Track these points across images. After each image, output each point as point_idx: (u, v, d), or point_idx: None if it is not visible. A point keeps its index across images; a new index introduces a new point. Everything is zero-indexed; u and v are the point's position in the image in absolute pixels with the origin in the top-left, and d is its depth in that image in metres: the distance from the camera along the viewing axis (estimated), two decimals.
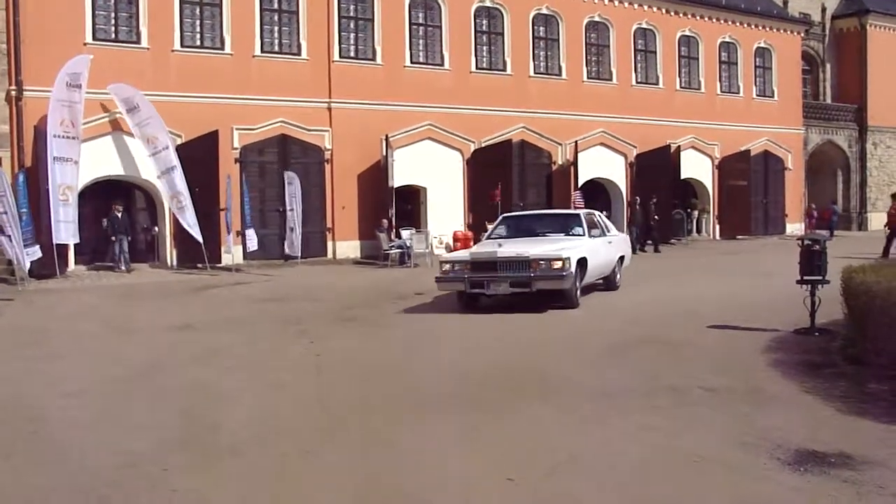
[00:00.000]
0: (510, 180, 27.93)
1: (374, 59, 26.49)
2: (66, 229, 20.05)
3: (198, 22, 23.89)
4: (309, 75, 25.26)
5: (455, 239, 26.01)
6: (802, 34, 38.82)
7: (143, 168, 22.52)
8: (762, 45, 36.48)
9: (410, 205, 28.10)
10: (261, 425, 7.22)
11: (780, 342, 10.28)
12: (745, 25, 35.85)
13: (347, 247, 25.85)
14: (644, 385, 8.18)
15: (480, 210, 26.92)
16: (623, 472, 5.76)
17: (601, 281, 15.90)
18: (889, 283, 8.40)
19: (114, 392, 8.68)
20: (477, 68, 28.57)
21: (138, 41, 22.80)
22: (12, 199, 18.67)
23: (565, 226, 15.88)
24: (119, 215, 22.26)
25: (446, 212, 27.56)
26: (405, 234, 25.41)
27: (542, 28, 30.20)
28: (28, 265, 19.15)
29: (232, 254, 22.70)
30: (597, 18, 31.38)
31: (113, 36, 22.61)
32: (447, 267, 14.09)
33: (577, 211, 18.97)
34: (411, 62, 27.27)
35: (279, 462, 6.16)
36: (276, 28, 25.09)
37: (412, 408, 7.69)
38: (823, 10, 42.24)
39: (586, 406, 7.51)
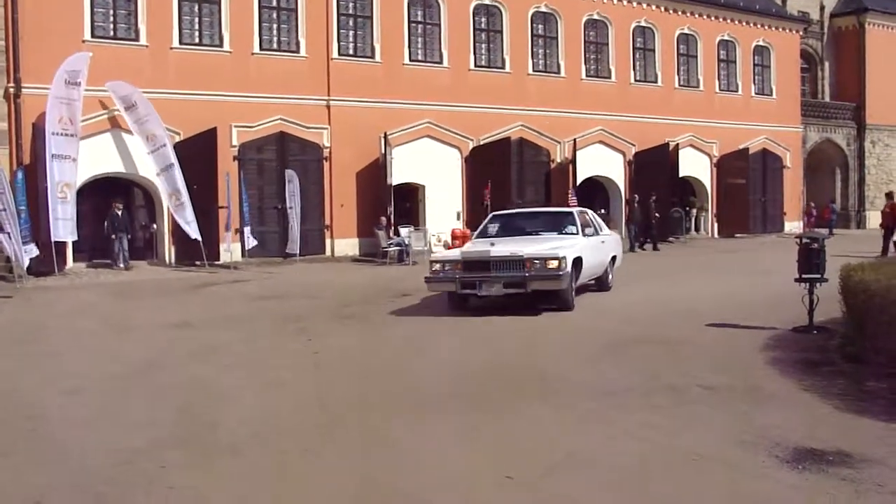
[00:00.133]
0: (509, 178, 27.95)
1: (372, 56, 26.49)
2: (64, 227, 20.04)
3: (196, 19, 23.88)
4: (308, 73, 25.25)
5: (453, 237, 25.98)
6: (801, 32, 38.82)
7: (141, 165, 22.52)
8: (761, 43, 36.48)
9: (409, 202, 28.09)
10: (259, 423, 7.21)
11: (778, 340, 10.28)
12: (744, 24, 35.85)
13: (346, 244, 25.85)
14: (642, 384, 8.18)
15: (479, 208, 26.90)
16: (622, 471, 5.76)
17: (593, 282, 15.50)
18: (888, 281, 8.40)
19: (112, 389, 8.68)
20: (475, 66, 28.57)
21: (137, 38, 22.79)
22: (11, 196, 18.67)
23: (558, 224, 15.31)
24: (119, 213, 22.24)
25: (445, 209, 27.57)
26: (404, 231, 25.42)
27: (540, 26, 30.19)
28: (27, 262, 19.15)
29: (231, 251, 22.71)
30: (595, 16, 31.38)
31: (111, 33, 22.61)
32: (437, 267, 13.53)
33: (570, 209, 18.30)
34: (410, 60, 27.26)
35: (278, 460, 6.15)
36: (274, 25, 25.08)
37: (411, 406, 7.68)
38: (822, 8, 42.23)
39: (585, 405, 7.50)
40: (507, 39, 29.21)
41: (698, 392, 7.81)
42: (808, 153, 40.03)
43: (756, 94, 36.44)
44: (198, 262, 22.21)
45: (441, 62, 27.85)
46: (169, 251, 23.32)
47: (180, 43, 23.40)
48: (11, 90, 20.95)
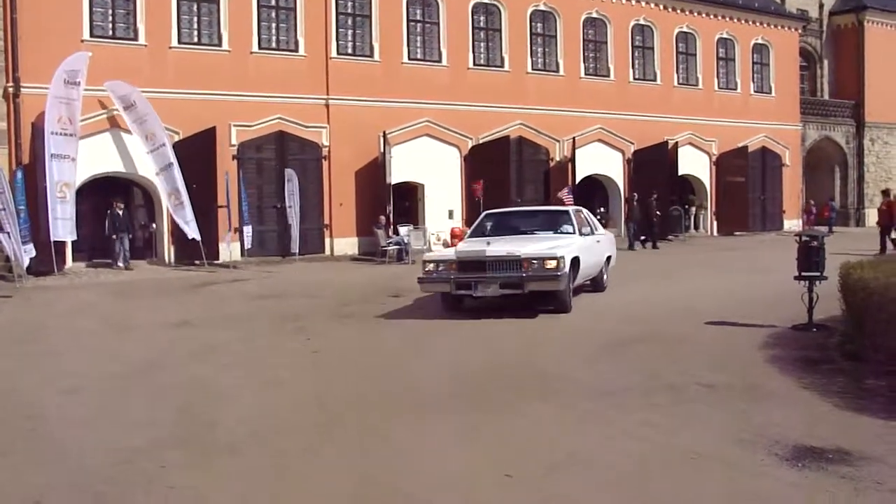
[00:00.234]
0: (508, 177, 27.94)
1: (371, 55, 26.48)
2: (63, 226, 20.03)
3: (195, 18, 23.86)
4: (306, 72, 25.24)
5: (453, 235, 25.97)
6: (800, 30, 38.83)
7: (140, 165, 22.52)
8: (760, 41, 36.48)
9: (408, 201, 28.08)
10: (258, 422, 7.21)
11: (777, 338, 10.28)
12: (743, 22, 35.86)
13: (345, 243, 25.84)
14: (642, 383, 8.18)
15: (478, 207, 26.90)
16: (622, 470, 5.76)
17: (588, 282, 15.10)
18: (887, 279, 8.40)
19: (111, 389, 8.68)
20: (474, 65, 28.56)
21: (136, 38, 22.77)
22: (10, 196, 18.66)
23: (554, 223, 14.93)
24: (120, 213, 22.22)
25: (444, 208, 27.58)
26: (403, 230, 25.40)
27: (539, 24, 30.19)
28: (26, 262, 19.14)
29: (230, 250, 22.70)
30: (594, 15, 31.38)
31: (110, 32, 22.59)
32: (431, 267, 13.12)
33: (565, 208, 18.08)
34: (409, 59, 27.25)
35: (277, 459, 6.15)
36: (273, 24, 25.07)
37: (410, 405, 7.69)
38: (821, 6, 42.21)
39: (585, 405, 7.50)
40: (505, 38, 29.21)
41: (697, 390, 7.81)
42: (808, 151, 40.04)
43: (755, 92, 36.45)
44: (197, 262, 22.21)
45: (440, 61, 27.85)
46: (168, 251, 23.31)
47: (179, 42, 23.38)
48: (10, 90, 20.93)
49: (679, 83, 33.97)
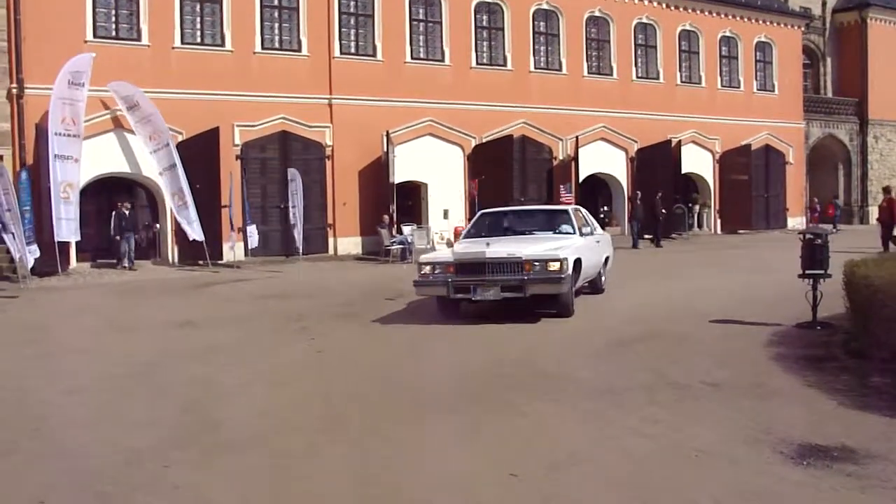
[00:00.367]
0: (511, 176, 27.94)
1: (374, 55, 26.48)
2: (67, 227, 20.07)
3: (198, 19, 23.90)
4: (309, 72, 25.26)
5: (456, 234, 25.94)
6: (803, 28, 38.79)
7: (144, 165, 22.56)
8: (763, 39, 36.45)
9: (411, 201, 28.09)
10: (262, 422, 7.22)
11: (782, 336, 10.26)
12: (746, 20, 35.84)
13: (349, 243, 25.85)
14: (646, 381, 8.16)
15: (481, 205, 26.87)
16: (624, 468, 5.75)
17: (586, 284, 14.33)
18: (891, 276, 8.38)
19: (115, 389, 8.68)
20: (477, 64, 28.57)
21: (139, 38, 22.81)
22: (14, 196, 18.68)
23: (552, 223, 14.32)
24: (127, 213, 22.22)
25: (447, 207, 27.57)
26: (406, 230, 25.43)
27: (542, 23, 30.19)
28: (31, 263, 19.16)
29: (234, 250, 22.72)
30: (597, 13, 31.37)
31: (113, 33, 22.64)
32: (427, 269, 12.45)
33: (565, 207, 17.45)
34: (412, 58, 27.26)
35: (280, 459, 6.15)
36: (276, 25, 25.10)
37: (413, 405, 7.68)
38: (824, 4, 42.15)
39: (587, 404, 7.49)
40: (508, 37, 29.21)
41: (702, 389, 7.79)
42: (811, 149, 40.01)
43: (758, 90, 36.43)
44: (201, 262, 22.24)
45: (443, 60, 27.84)
46: (172, 251, 23.34)
47: (182, 43, 23.41)
48: (14, 91, 20.96)
49: (682, 81, 33.95)
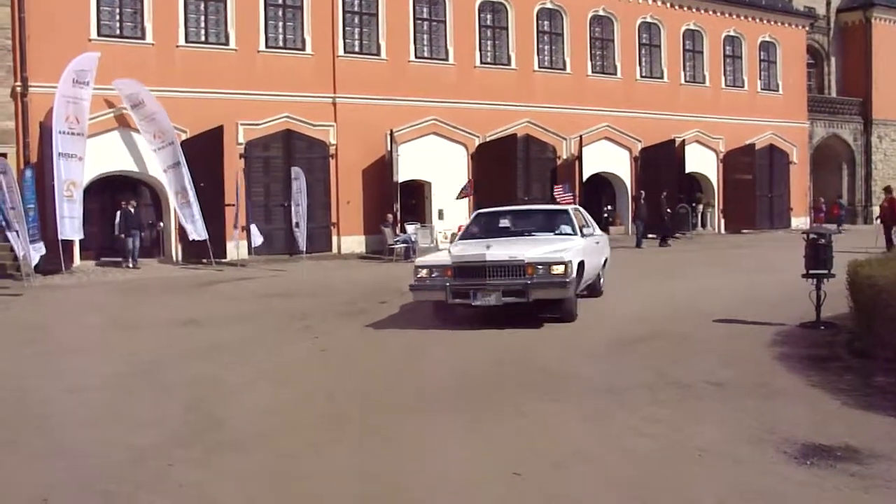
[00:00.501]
0: (514, 175, 27.90)
1: (378, 54, 26.48)
2: (70, 225, 20.08)
3: (202, 17, 23.90)
4: (313, 70, 25.26)
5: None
6: (807, 28, 38.74)
7: (148, 164, 22.58)
8: (767, 38, 36.41)
9: (415, 199, 28.09)
10: (265, 421, 7.23)
11: (785, 336, 10.26)
12: (750, 19, 35.79)
13: (352, 242, 25.85)
14: (649, 380, 8.16)
15: (485, 204, 26.83)
16: (627, 467, 5.75)
17: (584, 288, 13.43)
18: (895, 276, 8.38)
19: (118, 387, 8.70)
20: (481, 63, 28.57)
21: (143, 37, 22.82)
22: (19, 195, 18.70)
23: (551, 224, 13.72)
24: (133, 211, 22.22)
25: (451, 206, 27.55)
26: (410, 228, 25.43)
27: (546, 22, 30.17)
28: (36, 260, 19.18)
29: (238, 249, 22.74)
30: (601, 12, 31.34)
31: (118, 32, 22.65)
32: (423, 273, 11.79)
33: (564, 206, 16.73)
34: (416, 57, 27.26)
35: (283, 458, 6.16)
36: (280, 23, 25.09)
37: (416, 404, 7.69)
38: (828, 3, 42.12)
39: (590, 402, 7.49)
40: (512, 36, 29.20)
41: (705, 388, 7.79)
42: (815, 148, 39.95)
43: (762, 89, 36.38)
44: (204, 260, 22.25)
45: (447, 59, 27.84)
46: (176, 249, 23.36)
47: (186, 41, 23.42)
48: (18, 89, 20.99)
49: (686, 81, 33.92)
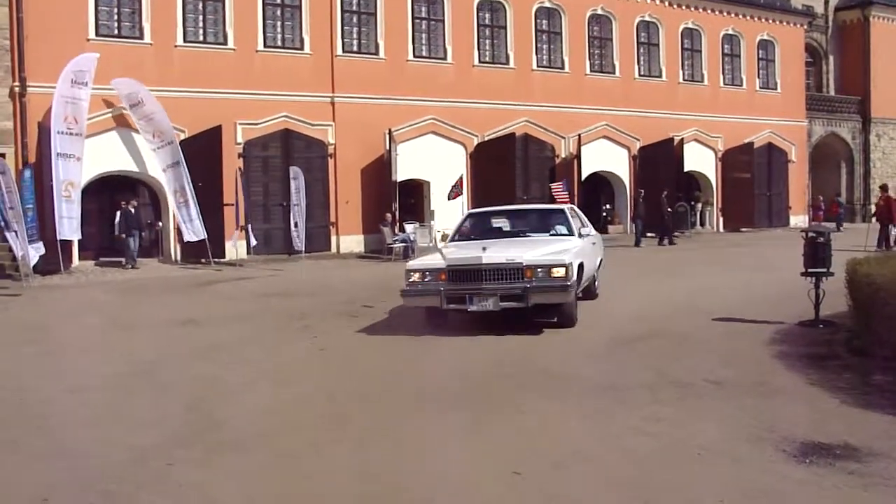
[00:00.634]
0: (513, 174, 27.91)
1: (376, 53, 26.48)
2: (69, 225, 20.06)
3: (200, 17, 23.89)
4: (312, 70, 25.26)
5: None
6: (805, 26, 38.75)
7: (147, 163, 22.57)
8: (765, 37, 36.43)
9: (414, 199, 28.09)
10: (265, 421, 7.23)
11: (784, 335, 10.27)
12: (748, 18, 35.81)
13: (351, 241, 25.85)
14: (649, 379, 8.17)
15: (483, 203, 26.85)
16: (627, 466, 5.76)
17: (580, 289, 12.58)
18: (893, 275, 8.39)
19: (118, 387, 8.70)
20: (480, 62, 28.57)
21: (141, 37, 22.81)
22: (17, 195, 18.69)
23: (546, 224, 13.22)
24: (133, 211, 22.20)
25: (450, 206, 27.53)
26: (409, 228, 25.42)
27: (544, 21, 30.18)
28: (35, 260, 19.18)
29: (236, 249, 22.73)
30: (599, 11, 31.35)
31: (116, 31, 22.63)
32: (416, 277, 11.13)
33: (560, 206, 16.06)
34: (414, 56, 27.26)
35: (284, 458, 6.17)
36: (278, 23, 25.09)
37: (416, 403, 7.69)
38: (826, 2, 42.10)
39: (590, 402, 7.49)
40: (510, 35, 29.20)
41: (705, 387, 7.80)
42: (813, 147, 39.96)
43: (761, 88, 36.40)
44: (203, 260, 22.25)
45: (445, 58, 27.84)
46: (175, 249, 23.36)
47: (184, 41, 23.41)
48: (17, 89, 20.98)
49: (684, 79, 33.93)
